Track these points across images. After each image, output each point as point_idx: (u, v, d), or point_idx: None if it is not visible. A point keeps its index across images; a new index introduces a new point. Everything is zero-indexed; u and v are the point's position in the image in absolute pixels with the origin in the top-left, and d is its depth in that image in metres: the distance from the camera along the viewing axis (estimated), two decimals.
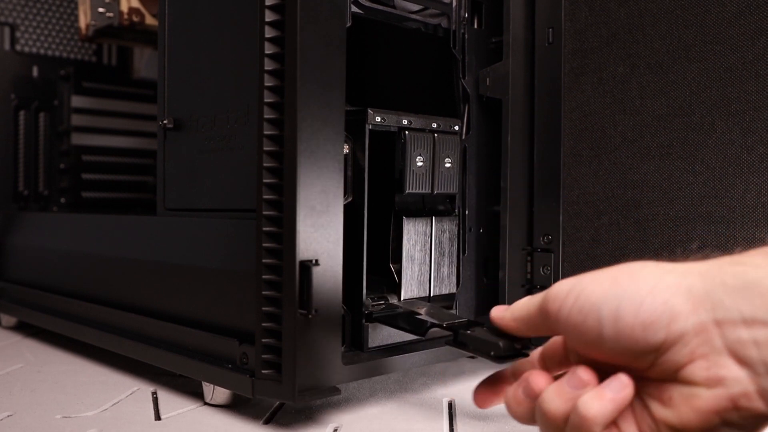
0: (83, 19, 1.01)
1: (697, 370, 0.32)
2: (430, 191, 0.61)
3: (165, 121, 0.68)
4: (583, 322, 0.35)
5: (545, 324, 0.38)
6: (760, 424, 0.31)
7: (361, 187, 0.56)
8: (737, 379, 0.31)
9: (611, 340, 0.34)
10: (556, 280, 0.66)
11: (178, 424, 0.54)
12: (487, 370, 0.71)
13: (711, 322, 0.31)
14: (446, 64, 0.69)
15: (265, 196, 0.51)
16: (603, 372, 0.36)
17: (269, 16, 0.50)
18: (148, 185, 1.18)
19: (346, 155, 0.55)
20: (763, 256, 0.32)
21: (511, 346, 0.47)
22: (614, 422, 0.35)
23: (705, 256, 0.35)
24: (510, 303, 0.65)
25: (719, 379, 0.31)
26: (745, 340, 0.31)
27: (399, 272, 0.59)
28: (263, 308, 0.51)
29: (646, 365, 0.34)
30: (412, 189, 0.59)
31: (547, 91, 0.68)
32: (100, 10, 0.99)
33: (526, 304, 0.40)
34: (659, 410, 0.34)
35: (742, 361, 0.31)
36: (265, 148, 0.50)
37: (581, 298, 0.35)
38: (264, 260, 0.51)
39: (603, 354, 0.35)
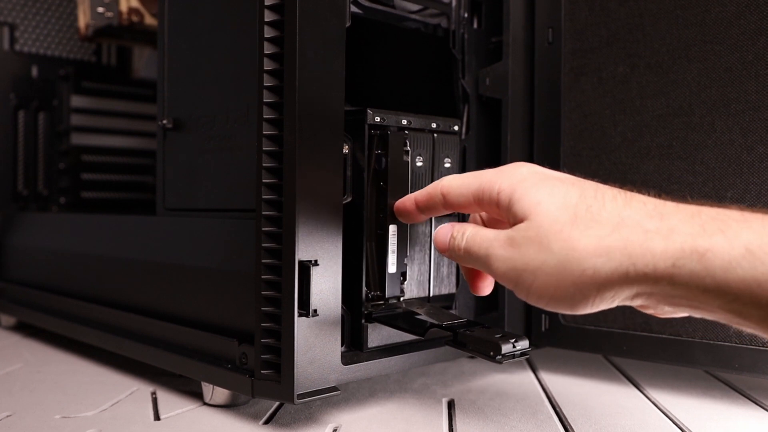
0: (82, 19, 1.01)
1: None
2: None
3: (164, 121, 0.68)
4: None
5: (483, 205, 0.43)
6: None
7: (360, 187, 0.56)
8: None
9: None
10: None
11: (178, 424, 0.54)
12: (487, 370, 0.71)
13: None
14: (446, 64, 0.69)
15: (264, 196, 0.51)
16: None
17: (269, 16, 0.50)
18: (148, 185, 1.18)
19: (345, 155, 0.55)
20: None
21: (511, 346, 0.47)
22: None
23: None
24: (509, 303, 0.66)
25: None
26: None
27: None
28: (263, 308, 0.51)
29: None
30: (412, 189, 0.59)
31: (547, 91, 0.68)
32: (100, 9, 0.99)
33: (465, 183, 0.45)
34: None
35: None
36: (264, 148, 0.50)
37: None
38: (263, 260, 0.51)
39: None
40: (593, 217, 0.35)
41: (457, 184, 0.44)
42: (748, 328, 0.33)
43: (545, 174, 0.40)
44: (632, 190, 0.38)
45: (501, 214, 0.41)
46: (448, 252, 0.44)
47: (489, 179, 0.41)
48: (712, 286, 0.31)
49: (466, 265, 0.46)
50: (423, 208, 0.48)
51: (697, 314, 0.34)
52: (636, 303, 0.36)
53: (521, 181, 0.39)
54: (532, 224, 0.37)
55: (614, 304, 0.36)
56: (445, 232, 0.44)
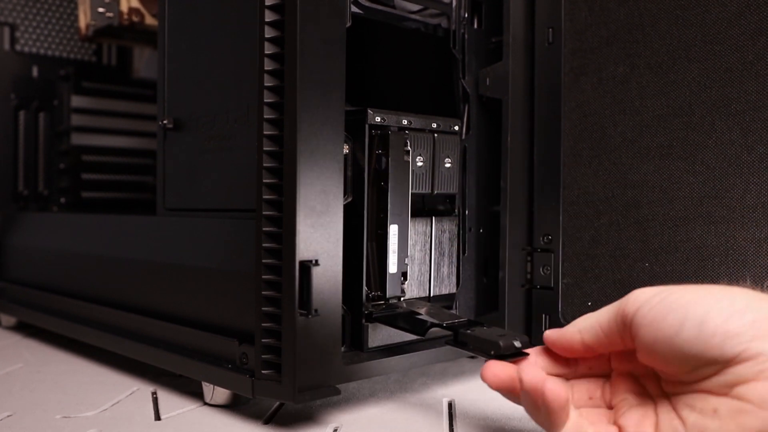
0: (83, 19, 1.01)
1: (758, 389, 0.33)
2: (429, 191, 0.61)
3: (165, 121, 0.68)
4: (664, 318, 0.36)
5: (618, 328, 0.39)
6: None
7: (361, 187, 0.56)
8: None
9: (687, 342, 0.35)
10: (556, 280, 0.66)
11: (178, 424, 0.54)
12: None
13: None
14: (446, 64, 0.69)
15: (264, 196, 0.51)
16: (636, 382, 0.40)
17: (269, 16, 0.50)
18: (148, 185, 1.18)
19: (346, 155, 0.55)
20: None
21: (511, 346, 0.47)
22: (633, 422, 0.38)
23: None
24: (509, 303, 0.65)
25: None
26: None
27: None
28: (263, 308, 0.51)
29: (700, 377, 0.35)
30: (412, 189, 0.59)
31: (547, 91, 0.68)
32: (100, 9, 0.99)
33: (595, 314, 0.42)
34: (696, 419, 0.35)
35: None
36: (264, 148, 0.50)
37: (670, 299, 0.36)
38: (264, 260, 0.51)
39: (662, 358, 0.36)
40: None
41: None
42: None
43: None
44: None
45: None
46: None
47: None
48: None
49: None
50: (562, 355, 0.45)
51: None
52: None
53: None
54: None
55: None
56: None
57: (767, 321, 0.33)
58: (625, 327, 0.39)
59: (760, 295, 0.36)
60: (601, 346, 0.42)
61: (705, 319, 0.34)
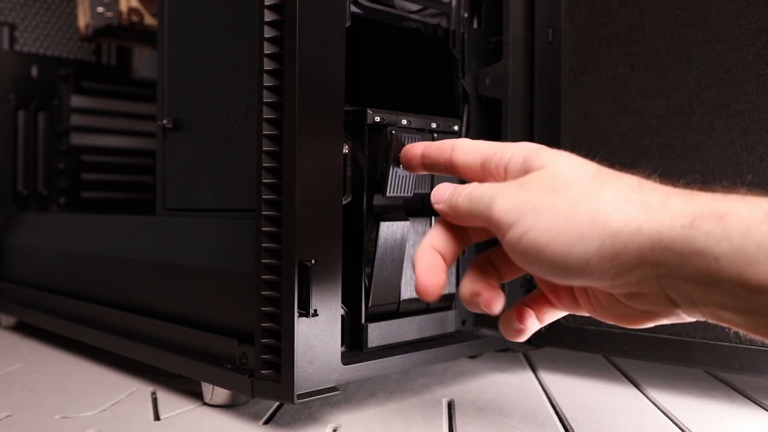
0: (82, 19, 1.01)
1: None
2: (429, 191, 0.60)
3: (164, 121, 0.68)
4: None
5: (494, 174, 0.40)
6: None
7: (360, 187, 0.56)
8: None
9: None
10: None
11: (178, 424, 0.54)
12: (487, 370, 0.71)
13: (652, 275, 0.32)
14: (446, 63, 0.69)
15: (264, 196, 0.51)
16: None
17: (268, 16, 0.50)
18: (148, 185, 1.18)
19: (345, 155, 0.55)
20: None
21: None
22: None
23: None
24: (509, 303, 0.66)
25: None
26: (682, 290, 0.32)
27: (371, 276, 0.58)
28: (262, 308, 0.51)
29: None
30: (412, 189, 0.59)
31: (547, 91, 0.68)
32: (99, 9, 0.99)
33: (481, 150, 0.41)
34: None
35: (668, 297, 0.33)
36: (264, 148, 0.50)
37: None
38: (263, 260, 0.51)
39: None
40: (615, 176, 0.34)
41: (469, 144, 0.42)
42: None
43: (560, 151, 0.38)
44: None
45: (511, 172, 0.38)
46: (445, 205, 0.40)
47: (504, 145, 0.39)
48: (728, 250, 0.29)
49: (462, 220, 0.40)
50: (428, 161, 0.44)
51: (699, 303, 0.32)
52: (635, 284, 0.33)
53: (539, 148, 0.38)
54: (549, 171, 0.35)
55: (609, 276, 0.32)
56: (444, 187, 0.41)
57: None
58: (502, 174, 0.39)
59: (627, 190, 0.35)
60: (468, 174, 0.42)
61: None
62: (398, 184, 0.57)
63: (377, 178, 0.56)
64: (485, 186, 0.38)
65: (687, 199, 0.31)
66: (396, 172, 0.56)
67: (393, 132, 0.55)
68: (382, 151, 0.56)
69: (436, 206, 0.41)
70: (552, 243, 0.33)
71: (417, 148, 0.45)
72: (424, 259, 0.40)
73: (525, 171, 0.37)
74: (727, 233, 0.30)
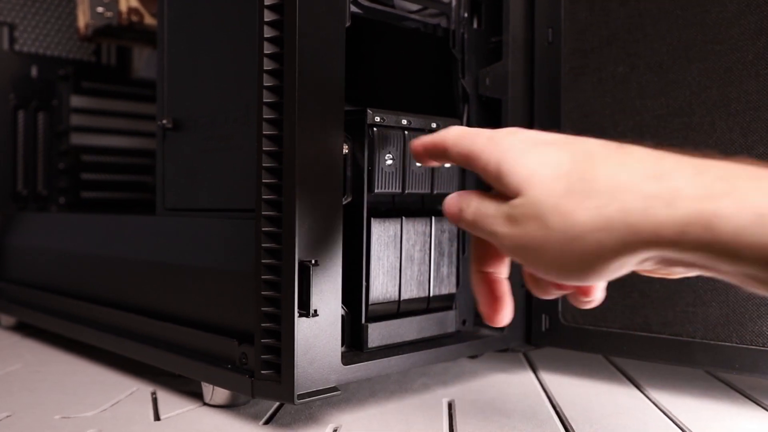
0: (82, 19, 1.01)
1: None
2: (429, 191, 0.60)
3: (164, 121, 0.68)
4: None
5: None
6: None
7: (360, 187, 0.56)
8: None
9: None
10: None
11: (178, 425, 0.54)
12: (487, 370, 0.71)
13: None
14: (446, 63, 0.69)
15: (264, 196, 0.51)
16: None
17: (268, 16, 0.50)
18: (148, 185, 1.18)
19: (345, 155, 0.55)
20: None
21: None
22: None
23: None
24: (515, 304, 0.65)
25: None
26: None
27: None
28: (262, 308, 0.51)
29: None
30: (412, 189, 0.59)
31: (547, 91, 0.68)
32: (99, 9, 0.99)
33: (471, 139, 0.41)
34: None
35: None
36: (264, 148, 0.50)
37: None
38: (263, 260, 0.51)
39: None
40: (589, 186, 0.34)
41: (453, 139, 0.42)
42: (763, 292, 0.31)
43: (534, 140, 0.38)
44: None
45: (492, 185, 0.39)
46: (459, 224, 0.42)
47: (480, 146, 0.39)
48: (722, 251, 0.29)
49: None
50: (430, 154, 0.45)
51: (711, 275, 0.33)
52: (646, 267, 0.35)
53: (508, 150, 0.38)
54: (527, 200, 0.36)
55: (625, 271, 0.35)
56: (453, 203, 0.42)
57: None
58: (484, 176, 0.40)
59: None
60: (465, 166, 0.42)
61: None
62: (385, 181, 0.57)
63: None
64: (483, 216, 0.39)
65: (670, 202, 0.31)
66: (381, 169, 0.56)
67: (375, 129, 0.56)
68: (367, 150, 0.56)
69: (450, 221, 0.42)
70: (563, 269, 0.35)
71: (419, 141, 0.45)
72: (479, 293, 0.42)
73: (505, 192, 0.38)
74: (718, 237, 0.30)
